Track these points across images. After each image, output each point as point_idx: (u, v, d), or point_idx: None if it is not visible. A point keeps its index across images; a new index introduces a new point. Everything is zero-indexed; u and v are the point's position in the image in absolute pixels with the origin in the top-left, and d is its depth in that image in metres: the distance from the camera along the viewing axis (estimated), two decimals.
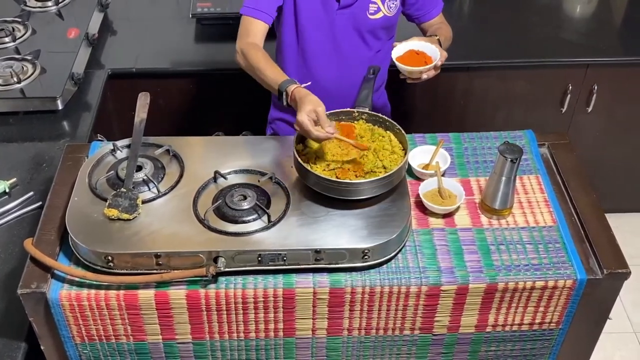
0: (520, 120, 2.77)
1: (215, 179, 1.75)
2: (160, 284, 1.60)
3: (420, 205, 1.78)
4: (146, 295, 1.60)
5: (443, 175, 1.82)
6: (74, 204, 1.68)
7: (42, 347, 1.68)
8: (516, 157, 1.65)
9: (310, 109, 1.67)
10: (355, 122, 1.81)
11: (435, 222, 1.75)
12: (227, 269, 1.58)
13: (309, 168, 1.67)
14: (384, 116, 1.80)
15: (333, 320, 1.67)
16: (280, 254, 1.59)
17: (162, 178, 1.76)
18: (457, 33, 2.18)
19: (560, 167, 1.90)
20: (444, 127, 2.36)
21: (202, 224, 1.63)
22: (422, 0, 2.10)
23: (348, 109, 1.82)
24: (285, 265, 1.61)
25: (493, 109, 2.80)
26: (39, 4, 2.74)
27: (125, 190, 1.68)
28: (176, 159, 1.81)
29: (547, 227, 1.74)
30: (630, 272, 1.65)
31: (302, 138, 1.76)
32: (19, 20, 2.64)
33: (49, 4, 2.73)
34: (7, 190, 1.99)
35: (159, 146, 1.82)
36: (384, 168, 1.69)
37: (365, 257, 1.61)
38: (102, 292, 1.59)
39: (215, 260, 1.58)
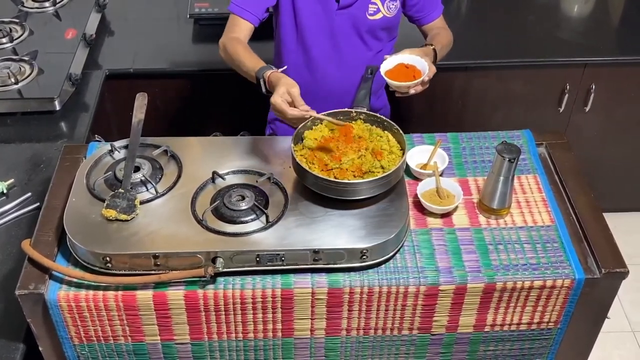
0: (518, 120, 2.78)
1: (213, 180, 1.75)
2: (158, 285, 1.60)
3: (418, 205, 1.78)
4: (144, 296, 1.60)
5: (441, 175, 1.82)
6: (71, 205, 1.68)
7: (40, 348, 1.68)
8: (514, 157, 1.65)
9: (284, 91, 1.70)
10: (353, 122, 1.81)
11: (433, 222, 1.75)
12: (225, 270, 1.58)
13: (307, 168, 1.67)
14: (381, 116, 1.80)
15: (331, 320, 1.67)
16: (278, 254, 1.59)
17: (160, 179, 1.75)
18: (455, 33, 2.18)
19: (558, 166, 1.90)
20: (442, 127, 2.36)
21: (200, 225, 1.63)
22: (422, 2, 2.10)
23: (346, 109, 1.82)
24: (284, 266, 1.60)
25: (491, 109, 2.80)
26: (37, 4, 2.74)
27: (123, 191, 1.67)
28: (174, 159, 1.81)
29: (545, 227, 1.74)
30: (628, 271, 1.65)
31: (300, 138, 1.76)
32: (17, 21, 2.63)
33: (47, 4, 2.73)
34: (5, 191, 1.99)
35: (157, 147, 1.82)
36: (382, 168, 1.69)
37: (364, 257, 1.60)
38: (100, 292, 1.59)
39: (214, 260, 1.58)
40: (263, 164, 1.79)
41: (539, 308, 1.69)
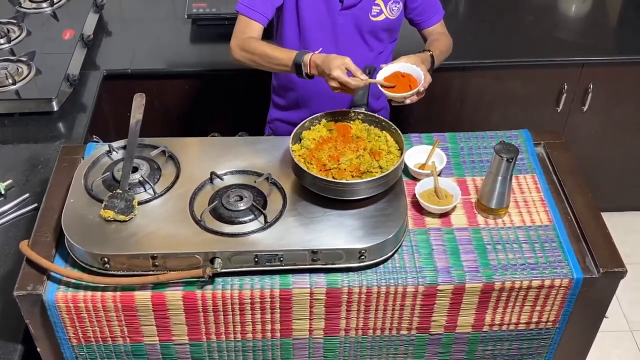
0: (516, 120, 2.78)
1: (211, 180, 1.75)
2: (156, 285, 1.60)
3: (416, 205, 1.78)
4: (143, 297, 1.59)
5: (439, 175, 1.82)
6: (69, 206, 1.68)
7: (38, 349, 1.68)
8: (512, 157, 1.65)
9: (340, 63, 1.73)
10: (351, 122, 1.81)
11: (431, 222, 1.75)
12: (223, 270, 1.58)
13: (305, 168, 1.67)
14: (380, 116, 1.80)
15: (330, 320, 1.67)
16: (276, 254, 1.58)
17: (158, 179, 1.75)
18: (453, 33, 2.18)
19: (556, 166, 1.91)
20: (440, 126, 2.36)
21: (199, 225, 1.63)
22: (422, 5, 2.10)
23: (344, 109, 1.82)
24: (282, 266, 1.60)
25: (489, 109, 2.80)
26: (34, 5, 2.73)
27: (121, 191, 1.67)
28: (172, 160, 1.81)
29: (543, 227, 1.74)
30: (626, 270, 1.66)
31: (299, 138, 1.76)
32: (14, 21, 2.63)
33: (44, 5, 2.73)
34: (3, 192, 1.99)
35: (155, 147, 1.82)
36: (380, 168, 1.69)
37: (362, 257, 1.60)
38: (99, 293, 1.59)
39: (212, 261, 1.58)
40: (261, 164, 1.79)
41: (537, 308, 1.69)
